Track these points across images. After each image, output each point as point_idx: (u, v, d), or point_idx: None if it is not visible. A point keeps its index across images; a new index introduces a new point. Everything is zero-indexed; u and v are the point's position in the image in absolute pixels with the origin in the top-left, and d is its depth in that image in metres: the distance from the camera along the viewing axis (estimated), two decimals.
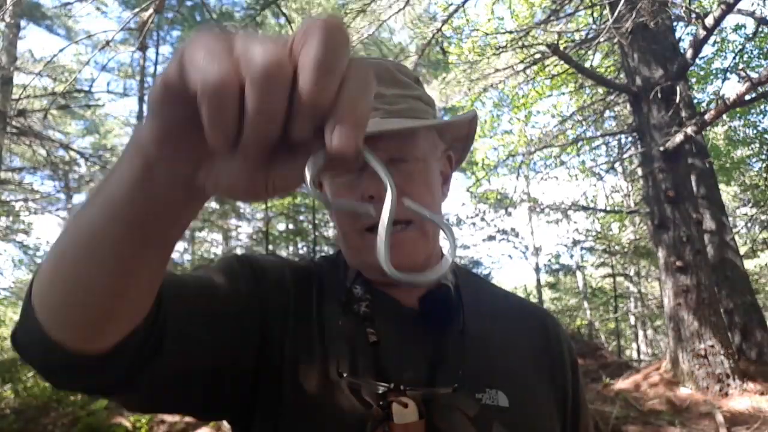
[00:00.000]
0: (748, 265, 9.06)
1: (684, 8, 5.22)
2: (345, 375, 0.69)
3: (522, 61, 6.31)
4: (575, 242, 12.28)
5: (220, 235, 15.43)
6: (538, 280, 16.18)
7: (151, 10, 3.91)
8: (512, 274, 31.12)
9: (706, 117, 5.17)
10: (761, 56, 8.70)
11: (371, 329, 0.74)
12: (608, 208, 11.11)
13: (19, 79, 7.23)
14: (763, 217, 9.62)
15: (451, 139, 0.84)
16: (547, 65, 6.73)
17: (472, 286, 0.84)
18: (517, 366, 0.76)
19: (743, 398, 4.83)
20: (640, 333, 14.04)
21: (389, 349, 0.72)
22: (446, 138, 0.83)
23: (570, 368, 0.80)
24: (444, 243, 0.84)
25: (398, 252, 0.70)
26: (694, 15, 5.24)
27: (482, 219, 14.35)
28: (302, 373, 0.70)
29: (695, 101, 7.93)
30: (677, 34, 6.44)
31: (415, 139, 0.75)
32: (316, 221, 10.98)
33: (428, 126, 0.77)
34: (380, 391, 0.68)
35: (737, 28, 9.13)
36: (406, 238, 0.72)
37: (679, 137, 5.21)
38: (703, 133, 6.37)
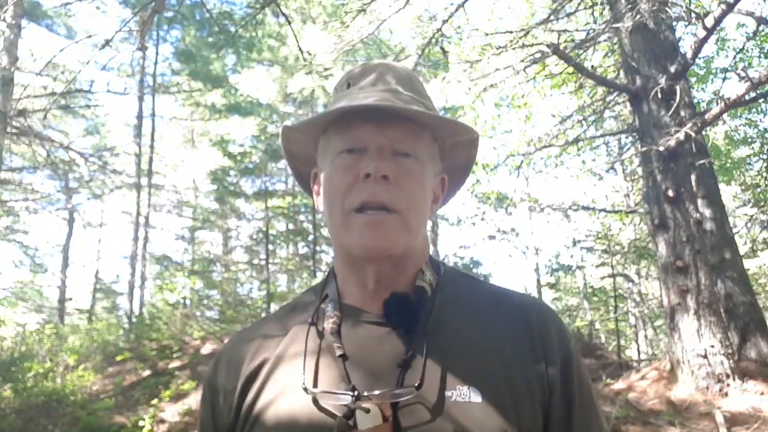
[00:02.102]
0: (748, 265, 9.06)
1: (684, 8, 5.22)
2: (309, 390, 0.72)
3: (522, 61, 6.31)
4: (575, 242, 12.28)
5: (220, 235, 15.44)
6: (538, 280, 16.19)
7: (150, 10, 3.91)
8: (512, 274, 31.10)
9: (706, 117, 5.17)
10: (762, 56, 8.70)
11: (338, 343, 0.76)
12: (608, 208, 11.11)
13: (19, 78, 7.22)
14: (763, 217, 9.61)
15: (450, 167, 0.88)
16: (548, 65, 6.72)
17: (456, 285, 0.84)
18: (494, 363, 0.73)
19: (743, 398, 4.83)
20: (640, 333, 14.04)
21: (357, 360, 0.74)
22: (446, 164, 0.87)
23: (560, 363, 0.76)
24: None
25: (375, 231, 0.74)
26: (694, 15, 5.23)
27: (482, 219, 14.36)
28: (270, 400, 0.75)
29: (695, 101, 7.93)
30: (677, 34, 6.43)
31: (420, 140, 0.78)
32: (316, 221, 10.98)
33: (437, 120, 0.79)
34: (344, 401, 0.70)
35: (738, 27, 9.14)
36: (387, 220, 0.74)
37: (679, 137, 5.20)
38: (704, 132, 6.37)
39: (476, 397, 0.69)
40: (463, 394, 0.70)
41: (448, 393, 0.70)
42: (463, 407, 0.69)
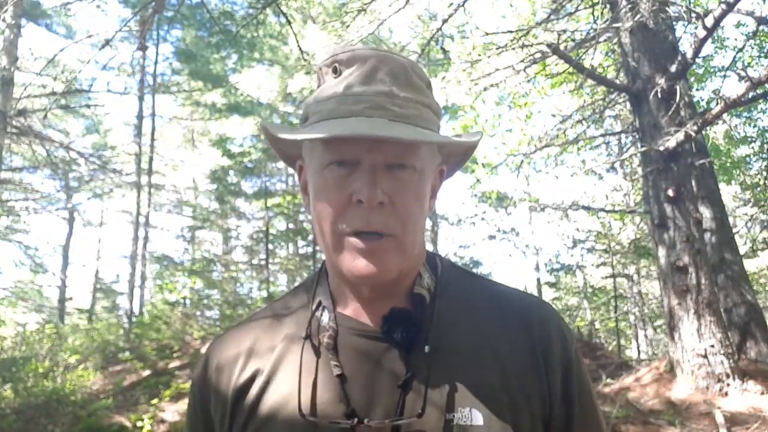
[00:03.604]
0: (748, 265, 9.06)
1: (684, 8, 5.22)
2: (306, 415, 0.69)
3: (522, 61, 6.31)
4: (575, 242, 12.28)
5: (220, 235, 15.43)
6: (538, 280, 16.19)
7: (150, 10, 3.91)
8: (512, 274, 31.12)
9: (706, 116, 5.17)
10: (762, 56, 8.70)
11: (335, 361, 0.72)
12: (608, 208, 11.11)
13: (19, 78, 7.22)
14: (763, 217, 9.61)
15: (448, 154, 0.83)
16: (548, 65, 6.73)
17: (455, 287, 0.81)
18: (496, 379, 0.72)
19: (743, 398, 4.83)
20: (640, 333, 14.05)
21: (355, 379, 0.71)
22: (443, 152, 0.81)
23: (561, 367, 0.75)
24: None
25: (368, 258, 0.70)
26: (694, 15, 5.23)
27: (482, 218, 14.37)
28: (265, 421, 0.72)
29: (695, 100, 7.93)
30: (677, 34, 6.43)
31: (416, 149, 0.72)
32: None
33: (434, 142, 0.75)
34: (343, 428, 0.68)
35: (738, 26, 9.13)
36: (381, 247, 0.70)
37: (679, 137, 5.20)
38: (704, 132, 6.37)
39: (478, 419, 0.68)
40: (465, 417, 0.68)
41: (449, 416, 0.68)
42: (465, 431, 0.68)
